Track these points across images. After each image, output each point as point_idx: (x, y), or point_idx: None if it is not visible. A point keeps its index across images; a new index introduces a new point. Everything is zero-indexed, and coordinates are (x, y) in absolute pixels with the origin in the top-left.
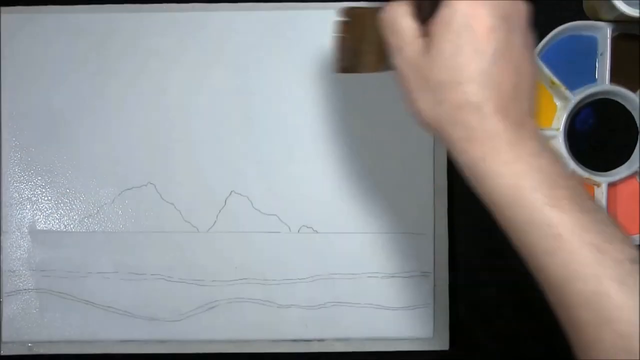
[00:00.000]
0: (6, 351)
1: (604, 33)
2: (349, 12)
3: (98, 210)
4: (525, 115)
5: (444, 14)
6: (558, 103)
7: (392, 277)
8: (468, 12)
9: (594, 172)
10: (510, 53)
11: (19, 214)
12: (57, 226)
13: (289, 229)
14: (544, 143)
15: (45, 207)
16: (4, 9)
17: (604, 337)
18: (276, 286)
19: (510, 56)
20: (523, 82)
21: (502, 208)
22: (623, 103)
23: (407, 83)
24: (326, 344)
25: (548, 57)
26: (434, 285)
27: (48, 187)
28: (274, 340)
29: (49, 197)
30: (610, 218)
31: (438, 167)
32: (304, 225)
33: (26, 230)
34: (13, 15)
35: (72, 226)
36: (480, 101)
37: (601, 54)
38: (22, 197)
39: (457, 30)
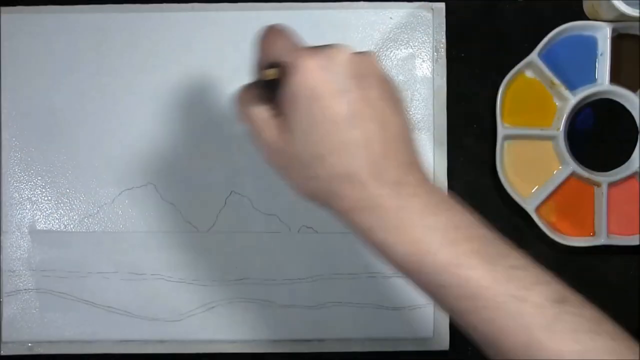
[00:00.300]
0: (6, 351)
1: (604, 33)
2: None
3: (98, 210)
4: (404, 170)
5: (287, 90)
6: (558, 103)
7: (392, 277)
8: (309, 82)
9: (594, 172)
10: (370, 110)
11: (19, 214)
12: (57, 226)
13: (289, 229)
14: (432, 195)
15: (45, 207)
16: (4, 9)
17: None
18: (276, 286)
19: (371, 114)
20: (392, 136)
21: (411, 276)
22: (623, 103)
23: (274, 165)
24: (326, 344)
25: (548, 57)
26: None
27: (48, 187)
28: (274, 341)
29: (49, 197)
30: (525, 258)
31: (438, 167)
32: (304, 225)
33: (26, 230)
34: (13, 15)
35: (72, 226)
36: (348, 171)
37: (601, 54)
38: (22, 197)
39: (304, 103)
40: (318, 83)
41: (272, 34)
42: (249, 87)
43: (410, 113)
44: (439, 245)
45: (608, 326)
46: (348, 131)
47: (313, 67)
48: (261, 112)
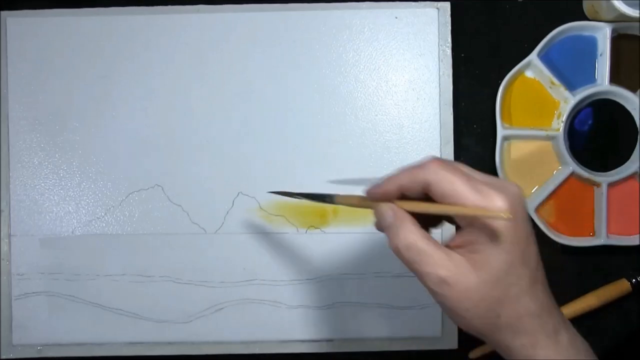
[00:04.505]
0: (16, 354)
1: (604, 33)
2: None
3: (105, 213)
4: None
5: (490, 232)
6: (558, 103)
7: (400, 276)
8: (513, 229)
9: (594, 172)
10: (537, 250)
11: (27, 218)
12: (65, 229)
13: (297, 229)
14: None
15: (53, 211)
16: (8, 13)
17: None
18: (284, 287)
19: (538, 254)
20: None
21: None
22: (623, 103)
23: (453, 306)
24: (335, 344)
25: (548, 57)
26: None
27: (55, 191)
28: (282, 341)
29: (57, 201)
30: None
31: None
32: (311, 226)
33: (34, 234)
34: (18, 19)
35: (80, 229)
36: (537, 308)
37: (601, 54)
38: (30, 201)
39: (507, 248)
40: (517, 227)
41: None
42: (407, 221)
43: (418, 112)
44: None
45: None
46: (535, 272)
47: (521, 212)
48: (435, 252)
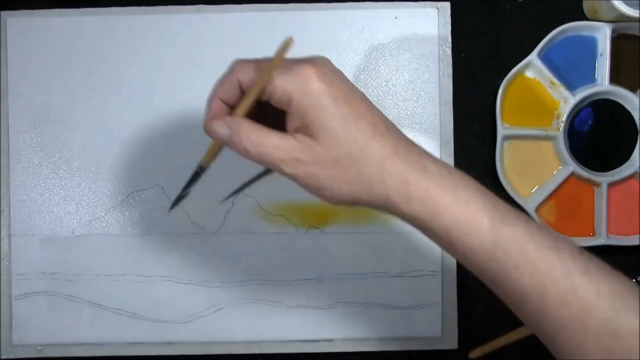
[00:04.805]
0: (16, 354)
1: (604, 33)
2: None
3: (105, 213)
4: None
5: (307, 101)
6: (558, 103)
7: (400, 276)
8: (330, 88)
9: (594, 172)
10: (369, 104)
11: (27, 218)
12: (65, 229)
13: (297, 229)
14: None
15: (53, 211)
16: (8, 13)
17: (588, 324)
18: (284, 287)
19: (373, 108)
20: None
21: (461, 240)
22: (623, 103)
23: (317, 182)
24: (335, 344)
25: (548, 58)
26: (442, 284)
27: (55, 191)
28: (282, 341)
29: (57, 200)
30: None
31: None
32: (311, 226)
33: (34, 234)
34: (18, 19)
35: (80, 229)
36: (391, 150)
37: (601, 54)
38: (30, 201)
39: (330, 104)
40: (334, 88)
41: (242, 64)
42: (244, 122)
43: (418, 112)
44: (483, 205)
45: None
46: (372, 115)
47: (330, 73)
48: (276, 140)
